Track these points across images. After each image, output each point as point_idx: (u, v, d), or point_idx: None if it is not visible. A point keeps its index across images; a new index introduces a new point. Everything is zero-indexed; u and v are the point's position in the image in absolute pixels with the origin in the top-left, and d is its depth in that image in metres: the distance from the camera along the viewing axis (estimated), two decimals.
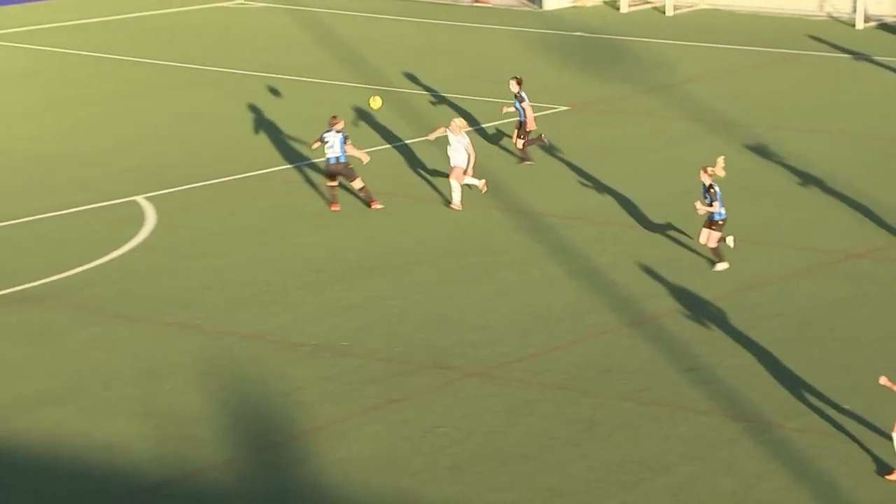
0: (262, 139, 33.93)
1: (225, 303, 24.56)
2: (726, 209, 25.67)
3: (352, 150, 28.67)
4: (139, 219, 28.55)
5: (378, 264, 26.30)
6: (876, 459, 19.18)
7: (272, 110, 36.08)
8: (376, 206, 28.92)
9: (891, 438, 18.90)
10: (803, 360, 22.21)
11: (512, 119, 32.83)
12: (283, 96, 37.41)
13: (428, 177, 31.26)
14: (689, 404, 20.91)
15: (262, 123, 35.27)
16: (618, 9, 49.64)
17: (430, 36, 45.90)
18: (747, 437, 19.92)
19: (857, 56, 41.83)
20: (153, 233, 27.85)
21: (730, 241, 25.94)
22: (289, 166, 31.92)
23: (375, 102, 29.81)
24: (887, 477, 18.74)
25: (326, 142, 28.44)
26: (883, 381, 18.68)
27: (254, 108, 36.41)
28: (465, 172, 29.02)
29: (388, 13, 49.21)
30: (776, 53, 42.80)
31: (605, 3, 50.72)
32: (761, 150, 32.81)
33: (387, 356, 22.56)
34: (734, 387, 21.35)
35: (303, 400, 21.14)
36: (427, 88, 38.46)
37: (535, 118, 32.19)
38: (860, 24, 46.08)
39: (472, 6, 50.83)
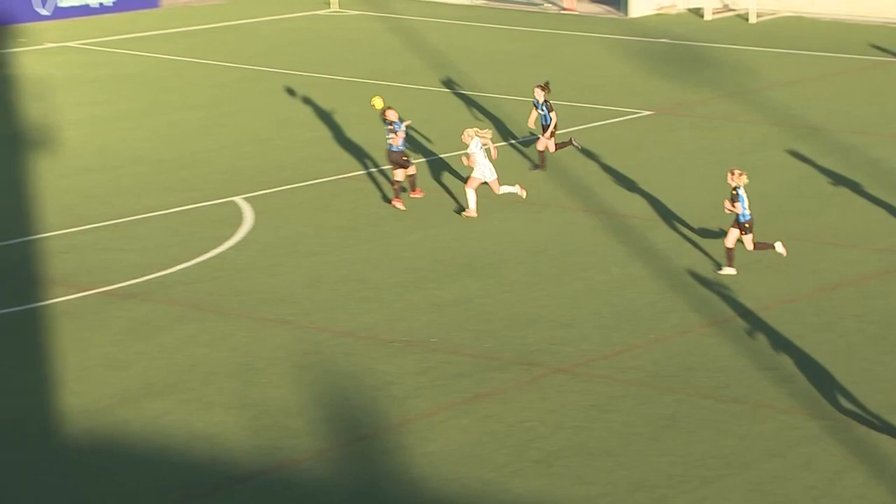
0: (356, 142, 34.08)
1: (319, 300, 24.71)
2: (751, 212, 25.49)
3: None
4: (238, 219, 28.78)
5: (467, 264, 26.35)
6: None
7: (365, 114, 36.25)
8: (398, 203, 28.79)
9: None
10: (882, 361, 22.03)
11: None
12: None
13: (515, 179, 31.28)
14: (770, 402, 20.80)
15: (356, 127, 35.43)
16: (701, 16, 49.41)
17: (518, 43, 45.90)
18: (827, 434, 19.79)
19: None
20: (251, 232, 28.06)
21: (779, 247, 25.70)
22: (382, 168, 32.04)
23: (378, 102, 29.69)
24: None
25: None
26: None
27: (347, 112, 36.58)
28: (498, 182, 28.64)
29: (477, 20, 49.28)
30: (859, 60, 42.42)
31: (689, 10, 50.48)
32: (842, 155, 32.55)
33: (475, 352, 22.61)
34: (814, 385, 21.22)
35: (393, 394, 21.23)
36: (512, 94, 38.47)
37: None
38: None
39: (560, 14, 50.77)
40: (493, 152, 28.86)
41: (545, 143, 31.67)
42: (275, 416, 20.48)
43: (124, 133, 35.04)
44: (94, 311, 24.05)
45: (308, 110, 36.89)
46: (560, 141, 32.03)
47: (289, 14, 49.81)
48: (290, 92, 38.90)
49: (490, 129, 29.86)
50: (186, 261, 26.33)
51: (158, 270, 25.82)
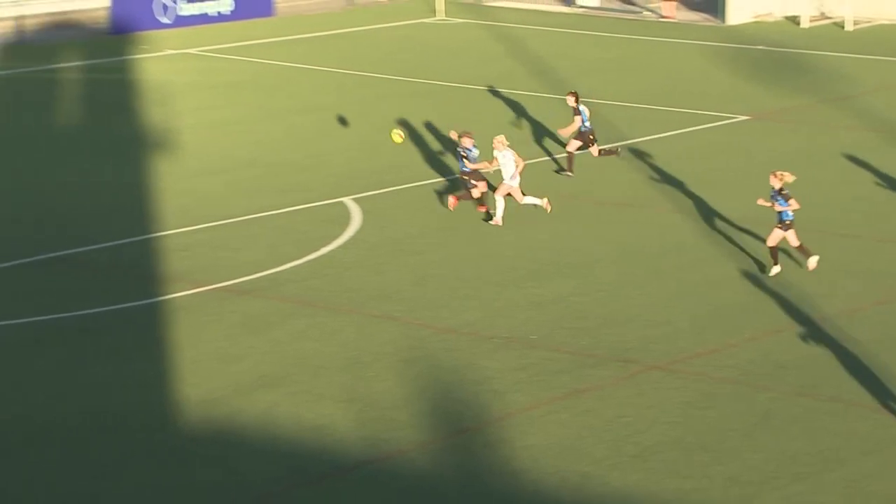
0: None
1: (423, 297, 24.78)
2: (794, 213, 25.20)
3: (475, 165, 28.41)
4: (346, 219, 28.93)
5: (565, 263, 26.30)
6: None
7: (469, 118, 36.29)
8: (454, 206, 28.63)
9: None
10: None
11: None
12: (475, 106, 37.59)
13: (611, 182, 31.18)
14: (864, 401, 20.56)
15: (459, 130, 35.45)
16: (798, 24, 48.91)
17: (618, 49, 45.73)
18: None
19: None
20: (359, 232, 28.19)
21: (812, 262, 25.33)
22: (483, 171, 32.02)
23: (397, 137, 29.25)
24: None
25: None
26: None
27: (451, 116, 36.64)
28: (522, 193, 28.25)
29: (577, 28, 49.14)
30: None
31: (785, 18, 49.99)
32: None
33: (573, 349, 22.56)
34: None
35: (494, 389, 21.23)
36: (613, 99, 38.33)
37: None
38: None
39: (658, 21, 50.49)
40: (520, 165, 28.25)
41: (577, 144, 31.46)
42: (380, 409, 20.57)
43: (239, 137, 35.34)
44: (209, 307, 24.28)
45: (414, 114, 36.98)
46: (605, 147, 31.70)
47: (397, 22, 49.98)
48: (398, 97, 39.01)
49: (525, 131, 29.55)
50: (297, 259, 26.50)
51: (271, 268, 26.01)
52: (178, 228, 28.11)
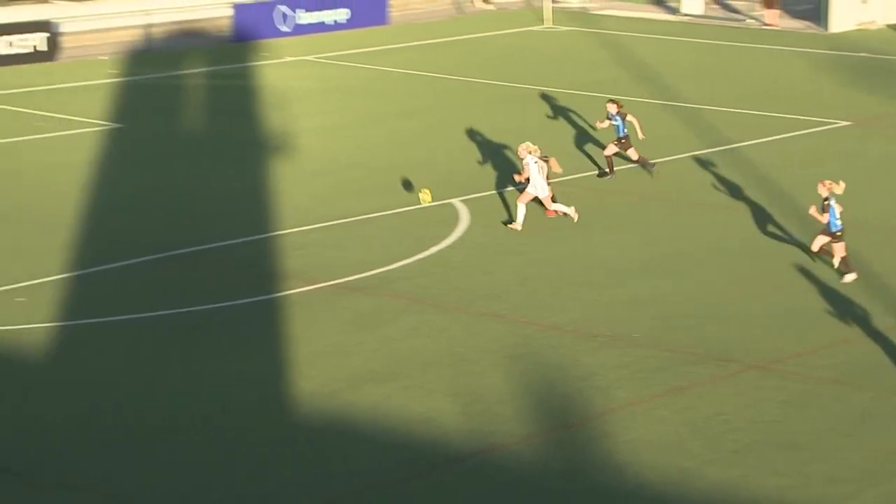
0: (563, 149, 34.00)
1: (528, 296, 24.72)
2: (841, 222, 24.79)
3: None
4: (454, 219, 28.95)
5: (665, 264, 26.11)
6: None
7: (572, 123, 36.18)
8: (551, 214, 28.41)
9: None
10: None
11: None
12: (573, 110, 37.48)
13: (709, 185, 30.92)
14: None
15: (564, 135, 35.37)
16: None
17: (720, 56, 45.33)
18: None
19: None
20: (467, 232, 28.20)
21: (849, 277, 24.86)
22: (585, 175, 31.94)
23: (425, 196, 28.75)
24: None
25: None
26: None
27: (556, 121, 36.55)
28: (552, 199, 27.80)
29: (681, 35, 48.79)
30: None
31: (888, 26, 49.25)
32: None
33: (673, 347, 22.39)
34: None
35: (597, 385, 21.13)
36: (715, 104, 38.00)
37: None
38: None
39: (761, 29, 49.99)
40: (555, 166, 27.86)
41: (614, 149, 31.15)
42: (486, 403, 20.55)
43: (351, 140, 35.50)
44: (323, 303, 24.41)
45: (520, 119, 36.94)
46: (642, 157, 31.32)
47: (505, 30, 49.94)
48: (505, 102, 38.99)
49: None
50: (407, 258, 26.57)
51: (382, 266, 26.10)
52: (293, 228, 28.30)
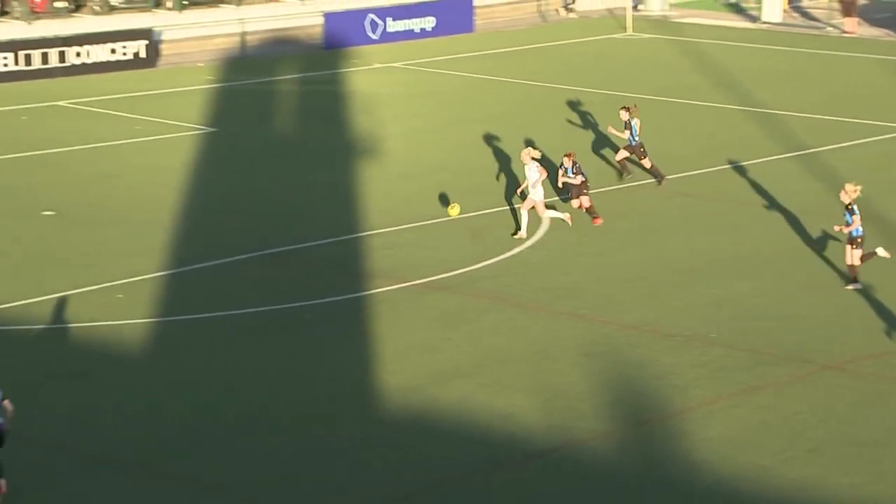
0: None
1: (606, 295, 24.61)
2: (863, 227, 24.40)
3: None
4: (536, 221, 28.83)
5: (741, 265, 25.88)
6: None
7: (653, 128, 35.99)
8: (598, 222, 28.17)
9: None
10: None
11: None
12: (654, 116, 37.26)
13: (786, 189, 30.60)
14: None
15: (644, 139, 35.16)
16: None
17: (799, 63, 44.88)
18: None
19: None
20: (548, 233, 28.13)
21: (881, 251, 24.33)
22: (667, 177, 31.71)
23: (454, 210, 28.32)
24: None
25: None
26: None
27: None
28: (545, 205, 27.42)
29: (761, 42, 48.35)
30: None
31: None
32: None
33: (750, 348, 22.19)
34: None
35: (675, 384, 20.99)
36: (794, 110, 37.61)
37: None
38: None
39: (841, 36, 49.42)
40: (542, 175, 27.47)
41: (623, 154, 30.82)
42: (566, 400, 20.48)
43: (437, 143, 35.53)
44: (409, 301, 24.46)
45: (600, 124, 36.79)
46: (656, 168, 30.92)
47: (587, 38, 49.77)
48: (585, 106, 38.84)
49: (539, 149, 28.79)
50: (490, 258, 26.55)
51: (466, 266, 26.10)
52: (381, 229, 28.38)
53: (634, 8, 52.23)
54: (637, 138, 30.82)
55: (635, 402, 20.48)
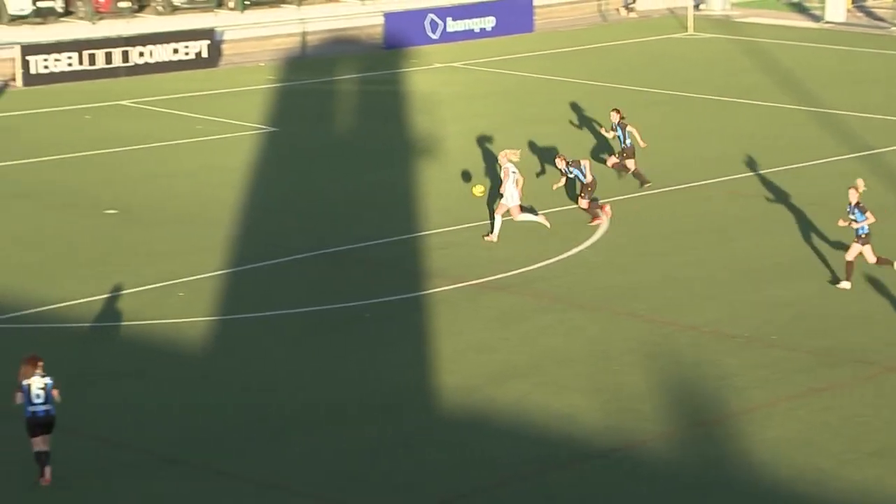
0: (706, 153, 33.61)
1: (667, 296, 24.45)
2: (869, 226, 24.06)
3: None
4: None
5: (803, 267, 25.63)
6: None
7: (714, 127, 35.75)
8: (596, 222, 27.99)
9: None
10: None
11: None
12: (718, 115, 37.01)
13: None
14: None
15: (705, 139, 34.96)
16: None
17: (862, 63, 44.41)
18: None
19: None
20: (607, 233, 28.00)
21: (843, 285, 24.22)
22: (728, 178, 31.51)
23: (478, 190, 27.96)
24: None
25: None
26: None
27: (695, 127, 36.13)
28: (520, 208, 27.08)
29: (824, 42, 47.91)
30: None
31: None
32: None
33: (812, 350, 21.96)
34: None
35: (735, 385, 20.82)
36: (856, 110, 37.24)
37: None
38: None
39: None
40: (520, 181, 27.20)
41: (614, 160, 30.58)
42: (625, 400, 20.37)
43: (497, 143, 35.43)
44: (466, 301, 24.41)
45: (660, 124, 36.57)
46: (639, 170, 30.52)
47: (648, 37, 49.51)
48: (647, 107, 38.64)
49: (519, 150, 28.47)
50: (549, 258, 26.45)
51: (524, 266, 26.02)
52: (439, 228, 28.34)
53: (696, 7, 51.89)
54: (628, 141, 30.62)
55: (695, 403, 20.33)
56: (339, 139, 36.39)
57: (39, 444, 17.81)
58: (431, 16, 48.52)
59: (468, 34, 49.04)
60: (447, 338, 22.78)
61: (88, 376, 21.32)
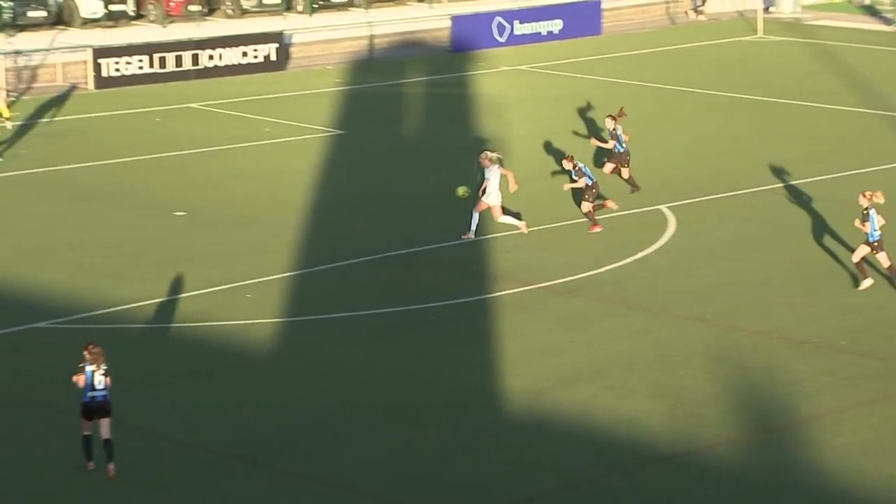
0: (771, 158, 33.33)
1: (733, 301, 24.26)
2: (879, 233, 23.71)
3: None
4: (662, 225, 28.59)
5: (873, 273, 25.30)
6: None
7: (783, 131, 35.46)
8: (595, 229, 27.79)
9: None
10: None
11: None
12: (786, 119, 36.67)
13: None
14: None
15: (774, 142, 34.68)
16: None
17: None
18: None
19: None
20: (673, 237, 27.84)
21: (866, 283, 23.82)
22: (798, 181, 31.24)
23: (461, 191, 27.56)
24: None
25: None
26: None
27: (763, 130, 35.86)
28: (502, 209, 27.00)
29: (893, 45, 47.39)
30: None
31: None
32: None
33: (883, 356, 21.71)
34: None
35: (804, 391, 20.61)
36: None
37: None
38: None
39: None
40: (512, 183, 27.05)
41: (609, 167, 30.29)
42: (691, 405, 20.22)
43: (564, 146, 35.35)
44: (532, 304, 24.35)
45: (729, 127, 36.33)
46: (633, 180, 30.24)
47: (717, 40, 49.20)
48: (713, 110, 38.40)
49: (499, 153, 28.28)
50: (615, 262, 26.33)
51: (590, 270, 25.92)
52: (506, 231, 28.27)
53: (766, 10, 51.49)
54: (624, 146, 30.38)
55: (762, 409, 20.15)
56: (406, 141, 36.44)
57: (90, 427, 18.03)
58: (498, 19, 48.48)
59: (535, 37, 48.96)
60: (513, 340, 22.73)
61: (156, 377, 21.46)
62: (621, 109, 31.22)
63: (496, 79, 43.60)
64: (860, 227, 24.38)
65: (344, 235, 28.32)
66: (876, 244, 24.25)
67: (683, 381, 21.07)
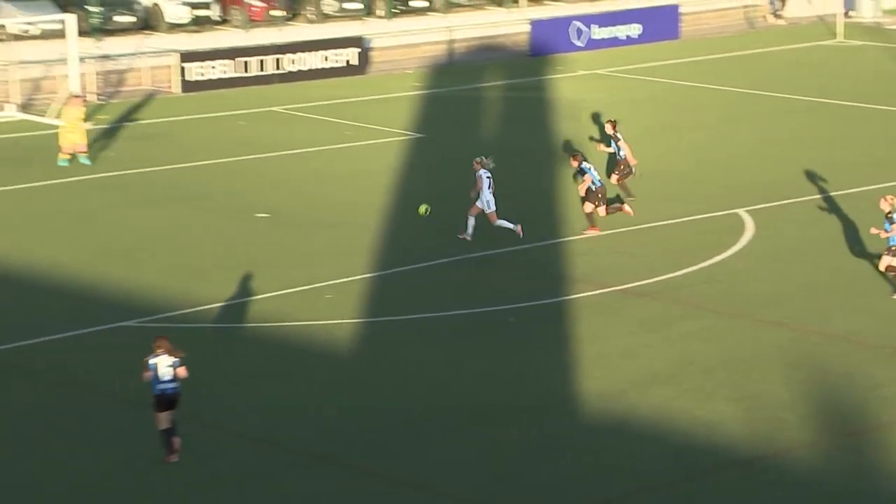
0: (850, 161, 32.97)
1: (812, 305, 24.00)
2: None
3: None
4: (740, 229, 28.36)
5: None
6: None
7: (861, 135, 35.06)
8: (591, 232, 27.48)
9: None
10: None
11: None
12: (867, 123, 36.22)
13: None
14: None
15: (851, 146, 34.29)
16: None
17: None
18: None
19: None
20: (751, 241, 27.60)
21: None
22: (875, 186, 30.85)
23: (422, 209, 27.09)
24: None
25: None
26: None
27: (842, 133, 35.46)
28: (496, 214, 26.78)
29: None
30: None
31: None
32: None
33: None
34: None
35: (884, 395, 20.35)
36: None
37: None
38: None
39: None
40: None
41: (615, 177, 29.87)
42: (769, 409, 20.03)
43: (641, 150, 35.16)
44: (609, 307, 24.25)
45: (806, 131, 35.98)
46: (626, 187, 29.81)
47: (796, 44, 48.75)
48: (790, 114, 38.04)
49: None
50: (692, 265, 26.15)
51: (667, 273, 25.76)
52: (582, 234, 28.17)
53: (846, 14, 50.92)
54: (622, 153, 30.03)
55: (841, 413, 19.91)
56: (485, 145, 36.37)
57: (165, 420, 18.16)
58: (577, 23, 48.36)
59: (613, 41, 48.78)
60: (590, 343, 22.64)
61: (237, 376, 21.60)
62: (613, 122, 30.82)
63: (574, 83, 43.48)
64: (879, 233, 23.97)
65: (422, 237, 28.35)
66: (893, 248, 23.85)
67: (761, 384, 20.87)
